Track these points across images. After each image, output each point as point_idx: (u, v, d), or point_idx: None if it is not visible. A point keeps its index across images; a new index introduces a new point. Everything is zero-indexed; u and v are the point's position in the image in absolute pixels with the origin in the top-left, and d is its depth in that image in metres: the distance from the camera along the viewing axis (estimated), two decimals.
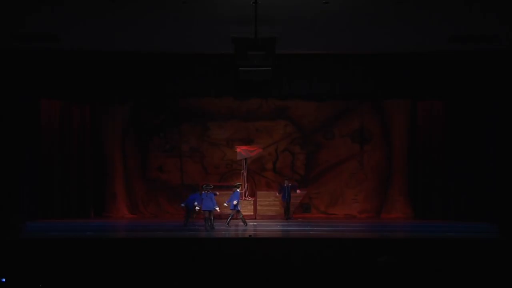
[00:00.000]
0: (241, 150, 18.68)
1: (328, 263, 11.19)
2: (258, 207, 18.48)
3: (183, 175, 19.88)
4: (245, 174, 18.57)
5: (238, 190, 16.61)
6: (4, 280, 9.86)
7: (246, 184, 18.19)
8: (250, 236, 13.51)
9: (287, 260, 11.36)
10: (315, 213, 19.70)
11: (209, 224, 15.46)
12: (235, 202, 16.26)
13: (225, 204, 16.33)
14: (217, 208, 15.53)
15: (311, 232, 15.09)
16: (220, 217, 16.53)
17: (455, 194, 17.55)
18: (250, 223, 16.83)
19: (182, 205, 16.33)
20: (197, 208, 15.75)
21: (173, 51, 15.11)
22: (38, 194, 17.00)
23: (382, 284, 10.35)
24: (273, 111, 19.84)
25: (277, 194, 18.31)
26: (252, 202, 18.49)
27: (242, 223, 16.49)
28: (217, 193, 16.17)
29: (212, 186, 15.99)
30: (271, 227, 16.30)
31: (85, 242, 12.70)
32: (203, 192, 15.67)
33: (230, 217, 16.43)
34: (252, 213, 18.34)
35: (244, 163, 18.71)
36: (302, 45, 14.61)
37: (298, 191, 18.17)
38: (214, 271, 10.86)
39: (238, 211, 16.54)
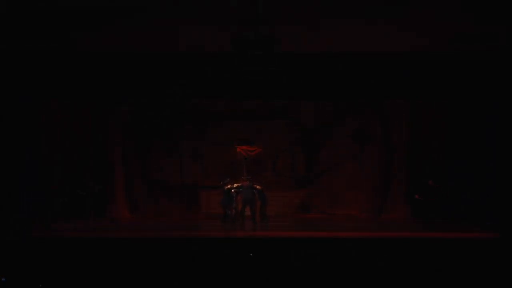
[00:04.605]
0: (241, 150, 18.69)
1: (328, 263, 11.19)
2: None
3: (183, 175, 19.89)
4: (245, 174, 18.57)
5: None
6: (4, 279, 9.86)
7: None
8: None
9: (287, 260, 11.36)
10: (315, 213, 19.71)
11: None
12: None
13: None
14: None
15: (311, 232, 15.10)
16: None
17: (455, 194, 17.55)
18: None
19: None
20: None
21: (173, 51, 15.11)
22: (38, 194, 16.97)
23: (382, 284, 10.36)
24: (273, 111, 19.84)
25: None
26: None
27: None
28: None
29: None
30: (271, 227, 16.30)
31: (85, 242, 12.71)
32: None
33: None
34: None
35: (244, 163, 18.71)
36: (302, 45, 14.61)
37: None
38: (214, 271, 10.86)
39: None
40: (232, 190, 16.76)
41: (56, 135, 18.27)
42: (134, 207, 19.66)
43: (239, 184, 16.92)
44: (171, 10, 11.92)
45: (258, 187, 16.97)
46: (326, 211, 19.74)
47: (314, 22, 12.73)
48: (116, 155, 19.55)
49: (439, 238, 13.54)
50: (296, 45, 14.26)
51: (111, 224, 14.72)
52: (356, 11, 11.97)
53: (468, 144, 17.27)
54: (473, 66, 15.05)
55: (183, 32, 13.40)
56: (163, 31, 13.43)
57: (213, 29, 12.97)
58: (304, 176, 20.00)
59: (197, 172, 19.90)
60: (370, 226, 16.89)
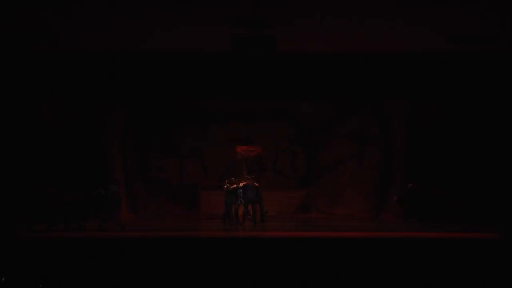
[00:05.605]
0: (241, 150, 18.67)
1: (328, 263, 11.18)
2: None
3: (183, 175, 19.90)
4: (245, 174, 18.57)
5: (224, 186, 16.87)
6: (3, 279, 9.86)
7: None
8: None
9: (287, 260, 11.35)
10: (315, 213, 19.72)
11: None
12: None
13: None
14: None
15: (311, 232, 15.08)
16: None
17: (455, 194, 17.54)
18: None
19: None
20: None
21: (173, 51, 15.12)
22: (38, 194, 16.96)
23: (382, 284, 10.35)
24: (273, 111, 19.85)
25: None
26: None
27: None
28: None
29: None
30: (271, 227, 16.29)
31: (85, 242, 12.70)
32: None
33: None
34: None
35: (244, 163, 18.71)
36: (302, 45, 14.62)
37: None
38: (214, 271, 10.86)
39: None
40: (239, 190, 16.75)
41: (56, 135, 18.27)
42: (134, 207, 19.67)
43: (244, 183, 16.94)
44: (172, 10, 11.93)
45: (256, 184, 17.02)
46: (326, 211, 19.75)
47: (314, 22, 12.74)
48: (116, 155, 19.54)
49: (439, 238, 13.53)
50: (296, 45, 14.27)
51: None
52: (355, 11, 11.98)
53: (468, 144, 17.28)
54: (473, 66, 15.06)
55: (183, 32, 13.41)
56: (163, 31, 13.44)
57: (213, 29, 12.98)
58: (304, 176, 20.02)
59: (197, 172, 19.92)
60: (370, 226, 16.89)
